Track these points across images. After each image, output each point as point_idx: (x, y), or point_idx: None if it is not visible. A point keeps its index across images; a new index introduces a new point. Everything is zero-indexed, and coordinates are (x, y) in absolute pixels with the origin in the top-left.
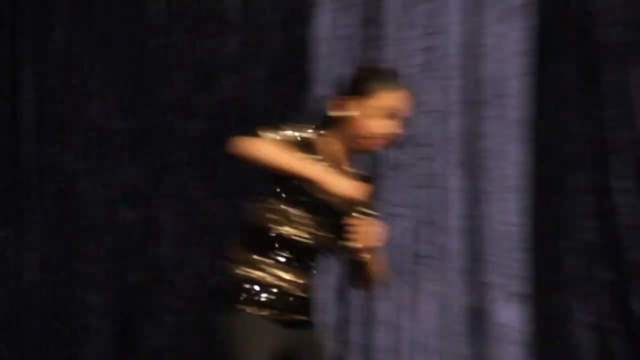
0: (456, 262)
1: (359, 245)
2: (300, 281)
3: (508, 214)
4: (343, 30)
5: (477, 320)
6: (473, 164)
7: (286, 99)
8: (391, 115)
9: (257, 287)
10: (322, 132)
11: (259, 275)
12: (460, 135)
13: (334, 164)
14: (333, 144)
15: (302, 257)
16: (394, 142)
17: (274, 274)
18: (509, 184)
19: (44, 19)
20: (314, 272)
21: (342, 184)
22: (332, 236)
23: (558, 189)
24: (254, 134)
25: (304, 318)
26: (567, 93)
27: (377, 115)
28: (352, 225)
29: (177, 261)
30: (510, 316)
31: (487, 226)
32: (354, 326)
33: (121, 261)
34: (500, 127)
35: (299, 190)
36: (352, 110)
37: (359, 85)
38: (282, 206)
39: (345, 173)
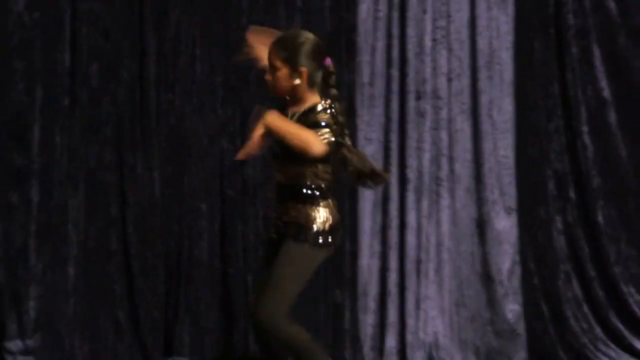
0: (464, 184)
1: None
2: (280, 210)
3: (501, 149)
4: (379, 12)
5: (480, 227)
6: (474, 112)
7: (336, 64)
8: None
9: None
10: None
11: None
12: (463, 91)
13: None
14: None
15: (278, 193)
16: (274, 88)
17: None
18: (501, 127)
19: (163, 4)
20: (290, 203)
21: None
22: (283, 174)
23: (538, 131)
24: None
25: (277, 236)
26: (543, 61)
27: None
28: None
29: (262, 179)
30: (504, 224)
31: (486, 157)
32: (390, 230)
33: (221, 179)
34: (492, 86)
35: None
36: None
37: None
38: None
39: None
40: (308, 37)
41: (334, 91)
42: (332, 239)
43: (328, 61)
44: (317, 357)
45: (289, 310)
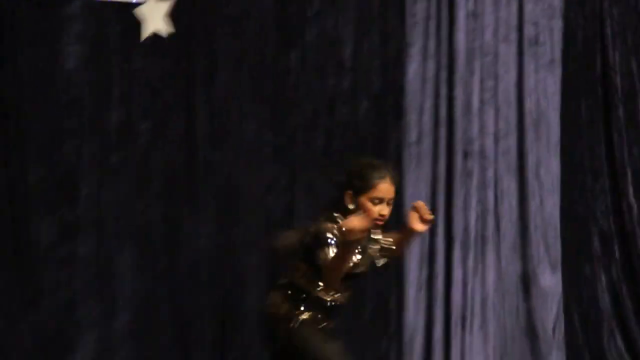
0: (509, 241)
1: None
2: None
3: (547, 207)
4: (427, 73)
5: (525, 283)
6: (521, 172)
7: (384, 123)
8: (382, 200)
9: None
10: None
11: None
12: (510, 150)
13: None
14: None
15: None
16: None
17: None
18: (548, 186)
19: (212, 64)
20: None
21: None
22: None
23: (584, 191)
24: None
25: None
26: (589, 122)
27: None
28: None
29: None
30: (549, 280)
31: (532, 216)
32: (436, 285)
33: (266, 232)
34: (539, 146)
35: None
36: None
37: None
38: None
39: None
40: None
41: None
42: None
43: None
44: None
45: None
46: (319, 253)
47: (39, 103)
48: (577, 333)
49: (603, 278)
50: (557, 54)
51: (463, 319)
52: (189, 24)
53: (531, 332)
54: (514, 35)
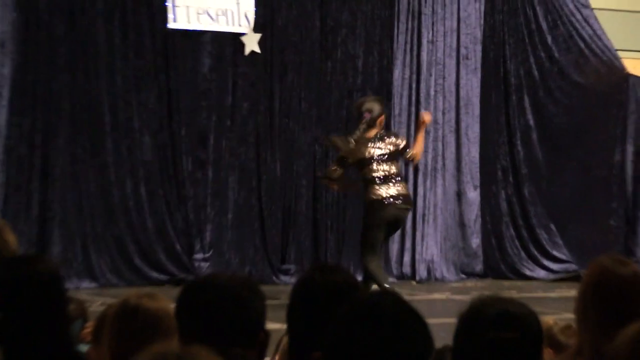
0: (450, 172)
1: None
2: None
3: (472, 152)
4: (405, 75)
5: (459, 196)
6: (457, 132)
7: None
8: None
9: None
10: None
11: None
12: (451, 119)
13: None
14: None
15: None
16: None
17: None
18: (472, 140)
19: (283, 69)
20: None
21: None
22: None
23: (493, 143)
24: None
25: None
26: (496, 104)
27: None
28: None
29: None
30: (472, 195)
31: (463, 157)
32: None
33: (313, 167)
34: (467, 117)
35: None
36: None
37: None
38: None
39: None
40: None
41: (362, 126)
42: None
43: (365, 115)
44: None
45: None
46: None
47: (188, 91)
48: (487, 225)
49: (503, 193)
50: (478, 65)
51: (423, 216)
52: (270, 45)
53: (461, 224)
54: (454, 54)
